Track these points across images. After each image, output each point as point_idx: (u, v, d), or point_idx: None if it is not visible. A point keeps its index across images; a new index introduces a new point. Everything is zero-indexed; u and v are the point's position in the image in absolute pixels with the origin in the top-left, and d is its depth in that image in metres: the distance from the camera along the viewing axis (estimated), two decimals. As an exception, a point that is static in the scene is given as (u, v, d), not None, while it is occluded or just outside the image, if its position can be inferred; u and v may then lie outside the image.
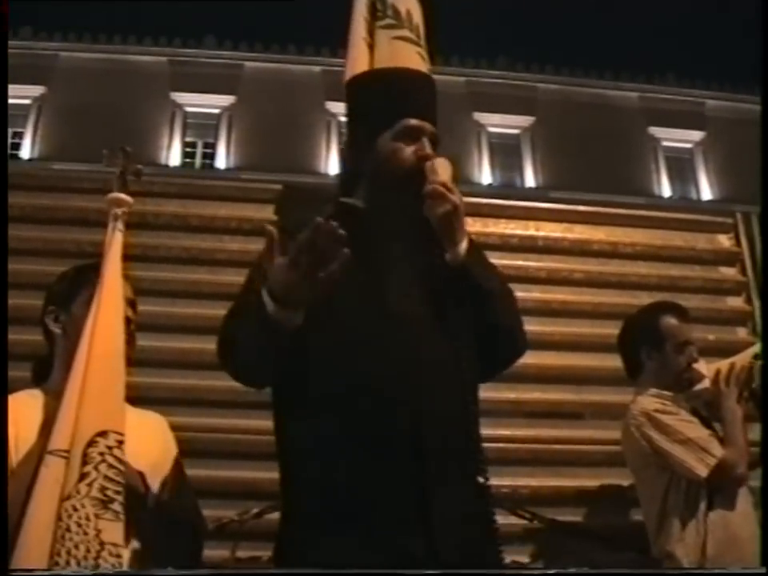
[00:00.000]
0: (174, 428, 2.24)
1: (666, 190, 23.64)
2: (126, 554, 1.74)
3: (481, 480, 1.67)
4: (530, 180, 23.26)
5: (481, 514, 1.66)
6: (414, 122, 1.87)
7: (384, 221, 1.83)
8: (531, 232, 3.70)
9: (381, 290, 1.74)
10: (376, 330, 1.69)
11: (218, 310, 3.20)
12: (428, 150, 1.85)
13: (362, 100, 2.00)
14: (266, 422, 3.14)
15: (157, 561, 1.85)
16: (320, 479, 1.63)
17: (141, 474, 1.99)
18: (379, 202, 1.85)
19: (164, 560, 1.87)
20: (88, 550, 1.61)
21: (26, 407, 1.92)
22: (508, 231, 3.63)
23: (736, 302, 3.75)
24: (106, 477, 1.70)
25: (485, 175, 23.03)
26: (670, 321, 2.87)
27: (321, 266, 1.49)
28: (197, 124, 22.79)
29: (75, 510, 1.64)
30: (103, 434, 1.73)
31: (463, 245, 1.78)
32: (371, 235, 1.80)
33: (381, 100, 1.92)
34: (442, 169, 1.79)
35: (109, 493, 1.69)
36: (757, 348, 2.91)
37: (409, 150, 1.85)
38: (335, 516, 1.60)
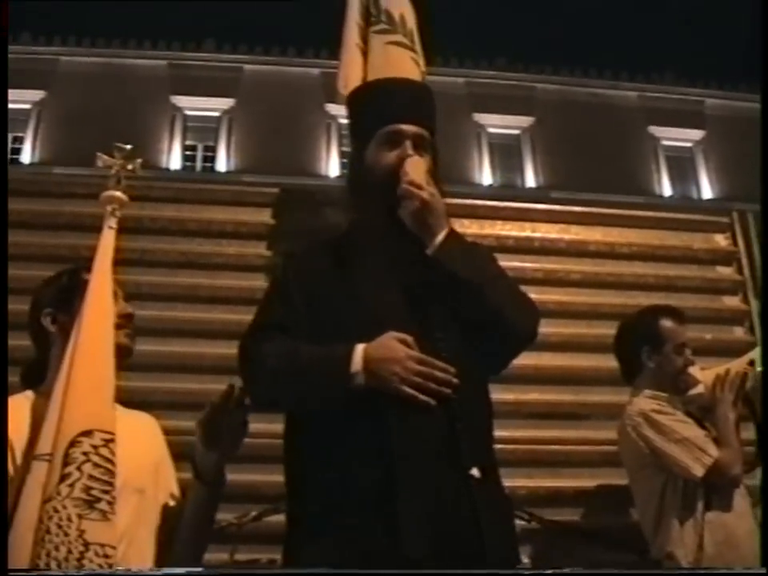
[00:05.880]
0: (172, 432, 2.23)
1: (666, 189, 23.61)
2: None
3: (474, 473, 1.68)
4: (530, 180, 23.23)
5: (466, 507, 1.65)
6: (391, 127, 1.87)
7: (368, 228, 1.86)
8: (527, 233, 3.69)
9: (364, 299, 1.77)
10: (364, 338, 1.72)
11: (216, 314, 3.29)
12: (409, 151, 1.85)
13: (355, 116, 2.04)
14: (264, 425, 3.14)
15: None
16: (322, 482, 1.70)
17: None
18: (363, 210, 1.88)
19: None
20: (70, 551, 1.56)
21: (22, 411, 1.89)
22: (504, 233, 3.63)
23: (733, 302, 3.74)
24: (90, 476, 1.64)
25: (485, 176, 23.01)
26: (669, 323, 2.90)
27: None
28: (197, 127, 22.78)
29: (56, 511, 1.59)
30: (88, 433, 1.68)
31: (439, 237, 1.78)
32: (355, 246, 1.84)
33: (367, 113, 1.95)
34: (411, 167, 1.81)
35: (94, 492, 1.64)
36: (753, 354, 2.93)
37: (391, 155, 1.86)
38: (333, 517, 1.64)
